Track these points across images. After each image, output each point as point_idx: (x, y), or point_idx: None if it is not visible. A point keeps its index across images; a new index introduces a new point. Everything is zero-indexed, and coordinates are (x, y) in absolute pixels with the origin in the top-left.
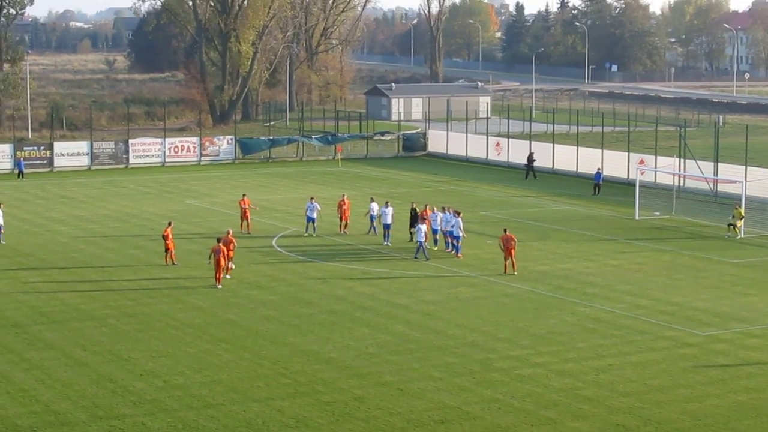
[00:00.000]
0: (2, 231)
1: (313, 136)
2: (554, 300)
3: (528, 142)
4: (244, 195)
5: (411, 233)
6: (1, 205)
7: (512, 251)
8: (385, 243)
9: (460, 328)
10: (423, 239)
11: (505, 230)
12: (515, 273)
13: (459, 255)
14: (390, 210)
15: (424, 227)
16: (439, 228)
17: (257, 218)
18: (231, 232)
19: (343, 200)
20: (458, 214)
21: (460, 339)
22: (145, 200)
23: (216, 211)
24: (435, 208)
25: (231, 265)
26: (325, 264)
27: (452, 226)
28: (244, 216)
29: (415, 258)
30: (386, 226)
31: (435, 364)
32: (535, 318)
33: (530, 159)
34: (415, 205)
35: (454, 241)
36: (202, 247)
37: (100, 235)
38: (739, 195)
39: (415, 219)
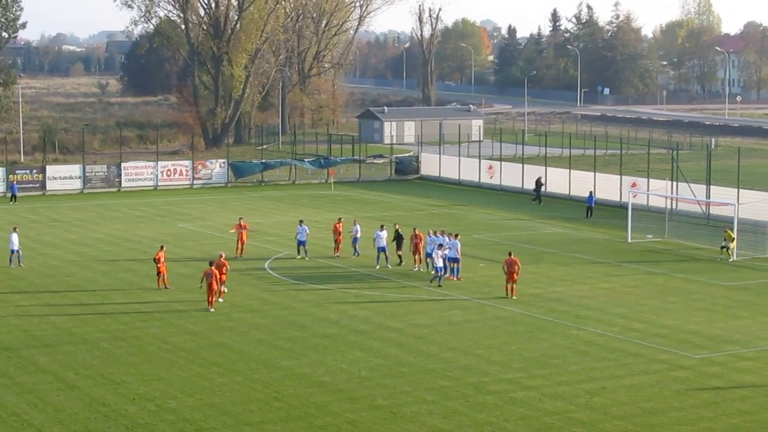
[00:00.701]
0: (20, 254)
1: (305, 159)
2: (547, 323)
3: (521, 165)
4: (240, 218)
5: (399, 256)
6: (17, 229)
7: (515, 275)
8: (386, 265)
9: (452, 351)
10: (441, 266)
11: (509, 253)
12: (513, 297)
13: (459, 277)
14: (384, 234)
15: (440, 252)
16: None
17: (249, 242)
18: (224, 255)
19: (338, 223)
20: (456, 236)
21: (453, 362)
22: (137, 224)
23: (208, 235)
24: (430, 232)
25: (224, 288)
26: (317, 287)
27: (448, 249)
28: (240, 239)
29: (432, 283)
30: (381, 249)
31: (428, 388)
32: (528, 341)
33: (538, 183)
34: (398, 227)
35: (454, 264)
36: (195, 271)
37: (92, 259)
38: (732, 217)
39: (399, 241)
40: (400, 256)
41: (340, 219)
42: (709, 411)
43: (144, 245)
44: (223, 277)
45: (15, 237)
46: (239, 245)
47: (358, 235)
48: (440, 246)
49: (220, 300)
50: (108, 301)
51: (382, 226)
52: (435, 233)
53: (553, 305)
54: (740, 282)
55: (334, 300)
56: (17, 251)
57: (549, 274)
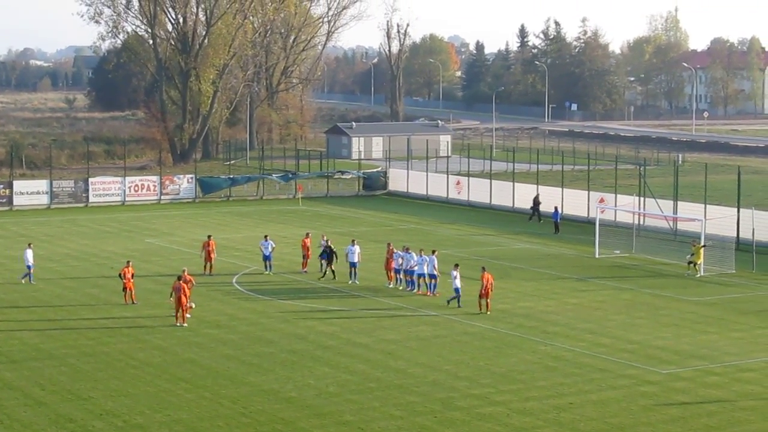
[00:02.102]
0: (32, 271)
1: (273, 174)
2: (515, 338)
3: (489, 180)
4: (209, 236)
5: (332, 271)
6: (31, 245)
7: (489, 291)
8: (351, 281)
9: (420, 366)
10: (459, 286)
11: (483, 269)
12: (488, 313)
13: (437, 293)
14: (357, 248)
15: (457, 272)
16: (401, 268)
17: (218, 257)
18: (186, 270)
19: (306, 238)
20: (433, 252)
21: (421, 378)
22: (104, 239)
23: (176, 250)
24: (393, 248)
25: (191, 304)
26: (285, 303)
27: (417, 265)
28: (208, 258)
29: (457, 305)
30: (352, 265)
31: (396, 404)
32: (496, 356)
33: (536, 201)
34: (329, 243)
35: (432, 280)
36: (162, 287)
37: (59, 274)
38: (699, 233)
39: (330, 256)
40: (333, 271)
41: (308, 234)
42: (677, 426)
43: (111, 261)
44: (187, 292)
45: (30, 253)
46: (207, 263)
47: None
48: (456, 266)
49: (188, 316)
50: (75, 317)
51: (353, 241)
52: (404, 249)
53: (521, 321)
54: (707, 297)
55: (302, 315)
56: (31, 268)
57: (517, 290)
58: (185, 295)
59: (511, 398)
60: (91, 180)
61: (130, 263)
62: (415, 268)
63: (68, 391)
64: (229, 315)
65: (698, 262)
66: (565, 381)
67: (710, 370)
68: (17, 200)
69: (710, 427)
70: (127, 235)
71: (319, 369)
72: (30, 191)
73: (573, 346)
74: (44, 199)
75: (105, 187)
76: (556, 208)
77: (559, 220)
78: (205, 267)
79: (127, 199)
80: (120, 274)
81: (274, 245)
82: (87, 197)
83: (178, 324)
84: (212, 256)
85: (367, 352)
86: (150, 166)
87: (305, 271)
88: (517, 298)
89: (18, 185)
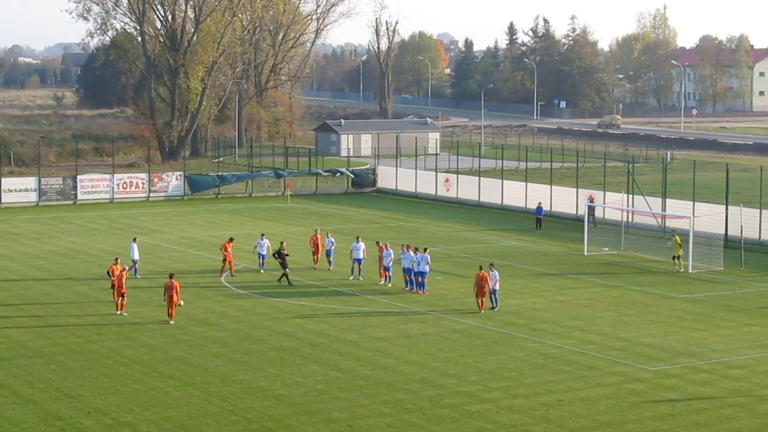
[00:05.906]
0: (137, 265)
1: (263, 172)
2: (503, 336)
3: (477, 178)
4: (231, 239)
5: (285, 275)
6: (137, 240)
7: (484, 289)
8: (358, 278)
9: (409, 364)
10: (496, 288)
11: (480, 267)
12: (482, 311)
13: (426, 291)
14: (362, 245)
15: (496, 273)
16: (390, 266)
17: (205, 254)
18: (174, 275)
19: (316, 236)
20: (425, 250)
21: (410, 375)
22: (93, 237)
23: (165, 248)
24: (385, 244)
25: (180, 302)
26: (274, 300)
27: (414, 263)
28: (226, 259)
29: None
30: (357, 261)
31: (384, 401)
32: (485, 354)
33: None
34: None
35: (420, 278)
36: (150, 284)
37: (47, 272)
38: (687, 230)
39: (283, 258)
40: (286, 275)
41: (316, 230)
42: (665, 423)
43: (100, 258)
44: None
45: (135, 247)
46: (225, 264)
47: (333, 248)
48: (491, 265)
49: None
50: (64, 314)
51: (357, 238)
52: (400, 247)
53: (510, 318)
54: (696, 295)
55: (291, 313)
56: (137, 261)
57: (505, 287)
58: (176, 293)
59: (499, 396)
60: (79, 177)
61: (119, 260)
62: (412, 266)
63: (57, 389)
64: (218, 313)
65: (679, 254)
66: (553, 378)
67: (699, 367)
68: (5, 197)
69: (698, 424)
70: (116, 233)
71: (308, 366)
72: (18, 188)
73: (562, 344)
74: (33, 197)
75: (93, 185)
76: (539, 204)
77: (542, 216)
78: (227, 269)
79: (115, 196)
80: (108, 272)
81: (269, 244)
82: (75, 195)
83: (171, 322)
84: (229, 258)
85: (356, 350)
86: (139, 163)
87: (316, 268)
88: (506, 295)
89: (6, 182)
